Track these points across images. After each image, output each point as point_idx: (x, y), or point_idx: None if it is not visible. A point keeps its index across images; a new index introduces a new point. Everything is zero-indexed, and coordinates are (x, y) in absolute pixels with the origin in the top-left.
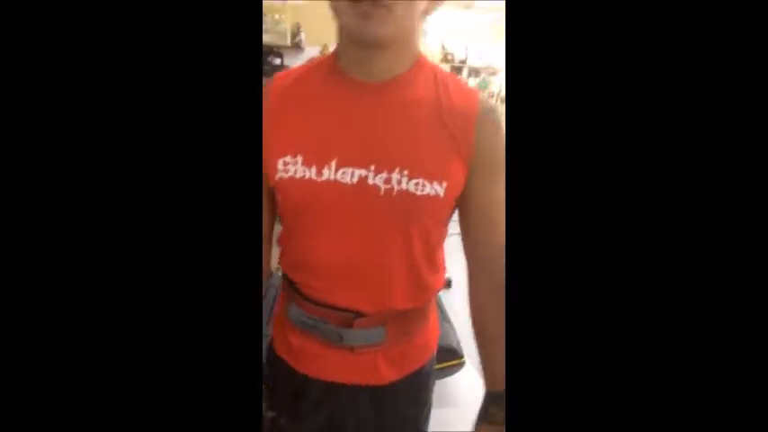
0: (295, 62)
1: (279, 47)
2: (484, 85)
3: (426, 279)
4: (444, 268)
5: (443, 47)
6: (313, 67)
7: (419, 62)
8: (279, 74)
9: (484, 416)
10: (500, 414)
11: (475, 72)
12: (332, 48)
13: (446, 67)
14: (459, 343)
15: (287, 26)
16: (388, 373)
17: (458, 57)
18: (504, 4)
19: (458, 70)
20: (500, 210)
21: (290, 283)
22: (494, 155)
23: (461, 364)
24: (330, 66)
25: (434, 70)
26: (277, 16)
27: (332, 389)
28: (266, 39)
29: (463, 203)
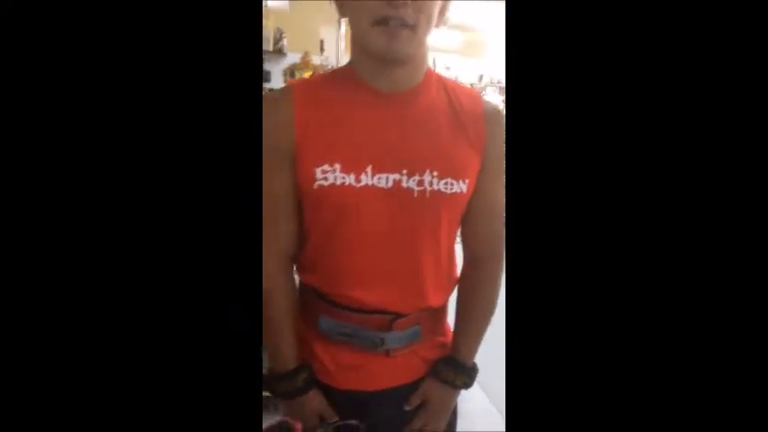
0: (276, 67)
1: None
2: None
3: (450, 274)
4: (456, 266)
5: None
6: (329, 77)
7: (428, 72)
8: (296, 84)
9: (436, 371)
10: (451, 375)
11: None
12: (314, 54)
13: None
14: None
15: (269, 31)
16: (421, 369)
17: None
18: (475, 26)
19: None
20: (502, 206)
21: (318, 296)
22: (500, 153)
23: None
24: (349, 77)
25: (440, 79)
26: None
27: (374, 397)
28: None
29: (470, 197)
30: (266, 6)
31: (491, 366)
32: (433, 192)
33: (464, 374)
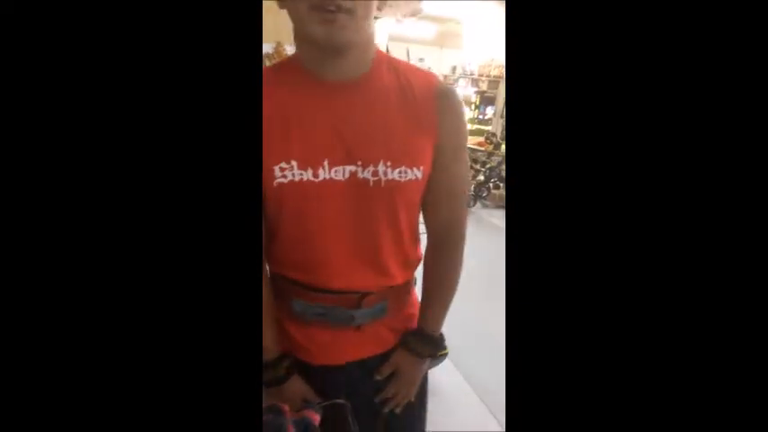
0: None
1: None
2: None
3: (412, 253)
4: (420, 245)
5: (387, 49)
6: (277, 70)
7: (378, 57)
8: None
9: (404, 343)
10: (419, 346)
11: None
12: (286, 45)
13: None
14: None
15: None
16: (390, 340)
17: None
18: (449, 17)
19: None
20: (461, 184)
21: (289, 282)
22: (455, 133)
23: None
24: (297, 69)
25: (390, 61)
26: None
27: (347, 368)
28: None
29: (428, 180)
30: None
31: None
32: (387, 181)
33: (430, 345)
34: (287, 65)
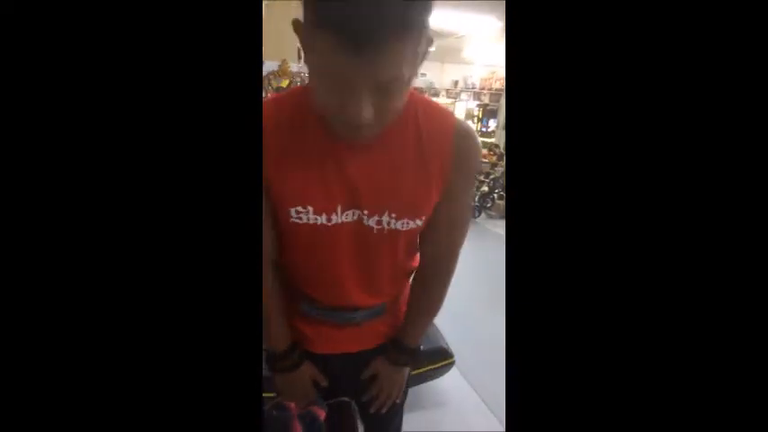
0: None
1: None
2: None
3: (409, 269)
4: (417, 256)
5: None
6: (293, 110)
7: (404, 112)
8: (264, 115)
9: (384, 352)
10: (398, 356)
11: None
12: (291, 63)
13: None
14: (447, 343)
15: None
16: (387, 333)
17: None
18: (451, 32)
19: None
20: (464, 214)
21: (297, 290)
22: (467, 171)
23: (452, 364)
24: (313, 117)
25: (415, 110)
26: None
27: (343, 358)
28: None
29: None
30: None
31: (475, 356)
32: (390, 230)
33: (407, 355)
34: (303, 106)
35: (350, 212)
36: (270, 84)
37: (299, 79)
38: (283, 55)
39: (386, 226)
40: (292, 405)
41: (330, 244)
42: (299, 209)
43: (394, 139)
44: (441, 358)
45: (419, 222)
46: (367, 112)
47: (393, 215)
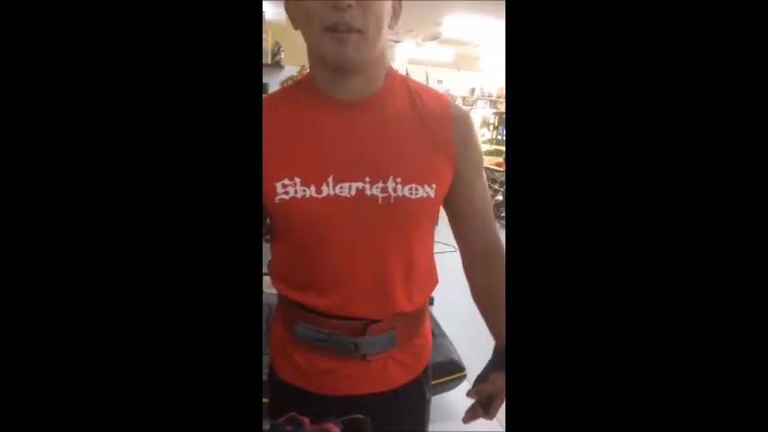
0: (274, 80)
1: None
2: None
3: (424, 279)
4: (435, 269)
5: (407, 72)
6: (290, 90)
7: (390, 76)
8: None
9: (498, 363)
10: (502, 359)
11: None
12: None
13: None
14: (458, 356)
15: (267, 45)
16: (399, 376)
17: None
18: (467, 40)
19: None
20: (484, 202)
21: (293, 304)
22: (472, 154)
23: (463, 377)
24: (308, 88)
25: (405, 81)
26: None
27: (347, 401)
28: None
29: (451, 202)
30: (265, 21)
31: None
32: (397, 198)
33: (503, 355)
34: (300, 84)
35: (346, 185)
36: None
37: None
38: (303, 62)
39: (392, 193)
40: (306, 421)
41: (322, 224)
42: (286, 182)
43: (387, 100)
44: (452, 371)
45: (429, 191)
46: None
47: (398, 179)
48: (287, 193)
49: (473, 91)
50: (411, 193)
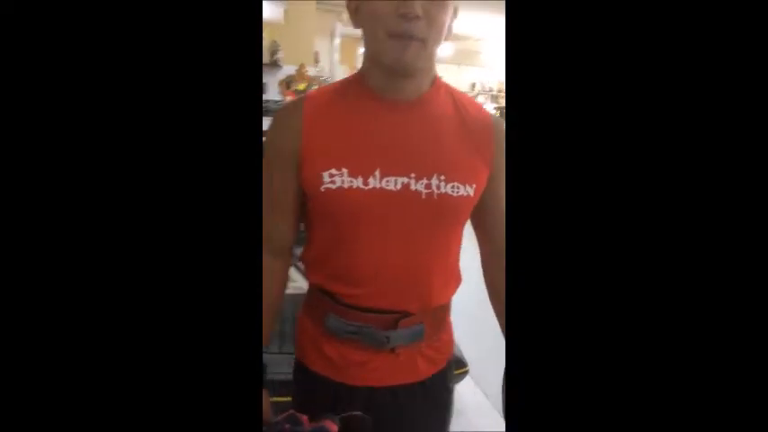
0: (272, 79)
1: None
2: None
3: (453, 275)
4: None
5: None
6: (342, 87)
7: (437, 82)
8: (310, 93)
9: None
10: None
11: None
12: (309, 66)
13: None
14: (461, 352)
15: (265, 44)
16: (425, 369)
17: None
18: (468, 35)
19: None
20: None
21: (325, 294)
22: (503, 158)
23: (466, 372)
24: (360, 86)
25: (448, 89)
26: None
27: (376, 393)
28: None
29: (480, 203)
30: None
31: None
32: (440, 195)
33: None
34: (351, 81)
35: (392, 179)
36: (289, 86)
37: (315, 83)
38: (300, 60)
39: (435, 189)
40: (305, 418)
41: (366, 216)
42: (333, 171)
43: (433, 102)
44: (455, 367)
45: (469, 191)
46: (418, 6)
47: (442, 177)
48: (333, 182)
49: (473, 86)
50: (453, 191)
